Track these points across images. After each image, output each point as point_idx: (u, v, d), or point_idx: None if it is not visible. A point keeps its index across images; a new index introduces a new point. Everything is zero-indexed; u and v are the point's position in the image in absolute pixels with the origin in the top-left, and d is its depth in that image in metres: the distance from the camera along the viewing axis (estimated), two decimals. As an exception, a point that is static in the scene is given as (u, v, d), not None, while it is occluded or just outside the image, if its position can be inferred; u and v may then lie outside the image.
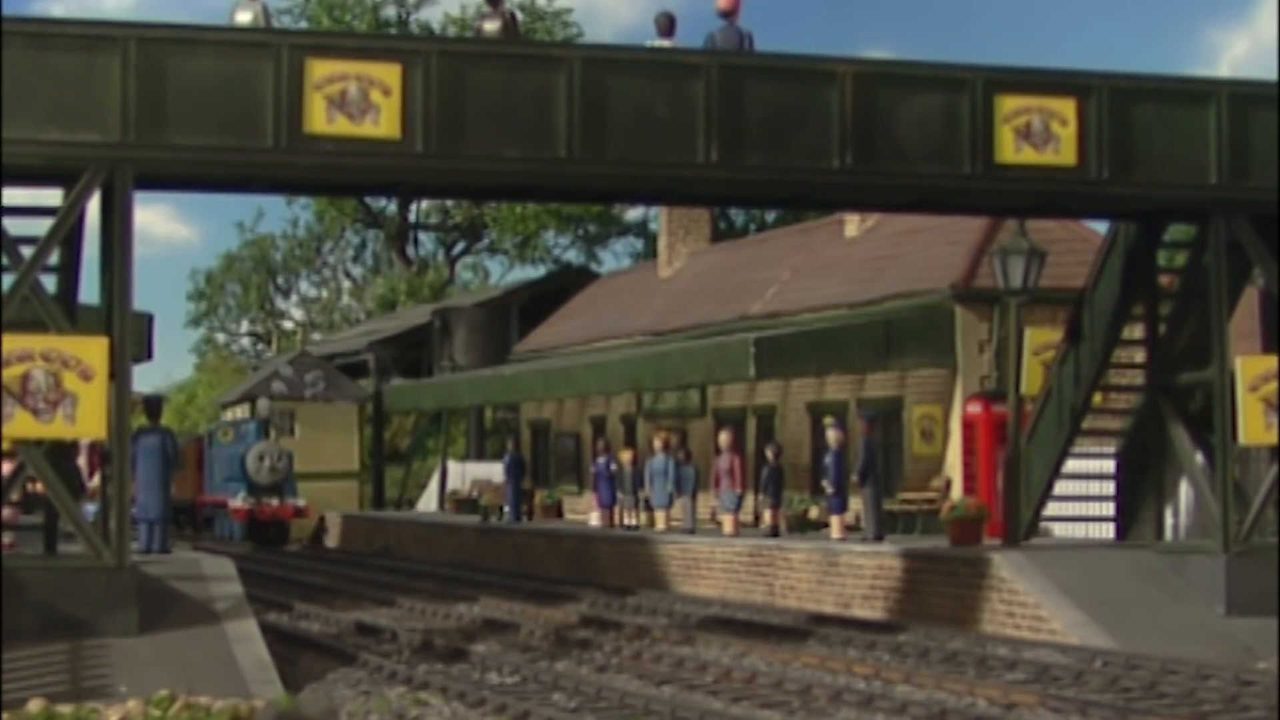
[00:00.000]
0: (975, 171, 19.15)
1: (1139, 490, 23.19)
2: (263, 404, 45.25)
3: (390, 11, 66.54)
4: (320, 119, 17.27)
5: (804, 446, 31.73)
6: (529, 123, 17.90)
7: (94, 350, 16.56)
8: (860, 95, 18.73)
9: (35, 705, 14.03)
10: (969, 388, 27.74)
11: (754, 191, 20.22)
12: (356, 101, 17.35)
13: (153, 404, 22.96)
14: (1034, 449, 22.92)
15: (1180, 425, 21.16)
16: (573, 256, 66.18)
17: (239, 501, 42.75)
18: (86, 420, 16.49)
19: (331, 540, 45.87)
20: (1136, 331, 22.50)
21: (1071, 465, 23.27)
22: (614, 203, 52.00)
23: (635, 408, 37.88)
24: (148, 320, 27.04)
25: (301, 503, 43.56)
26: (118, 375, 16.66)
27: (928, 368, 28.76)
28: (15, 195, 17.35)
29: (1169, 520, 23.15)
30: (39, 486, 18.86)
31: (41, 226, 17.13)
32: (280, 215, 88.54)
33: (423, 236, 72.63)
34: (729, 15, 19.40)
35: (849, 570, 24.07)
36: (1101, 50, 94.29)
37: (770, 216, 55.41)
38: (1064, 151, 19.39)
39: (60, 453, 18.00)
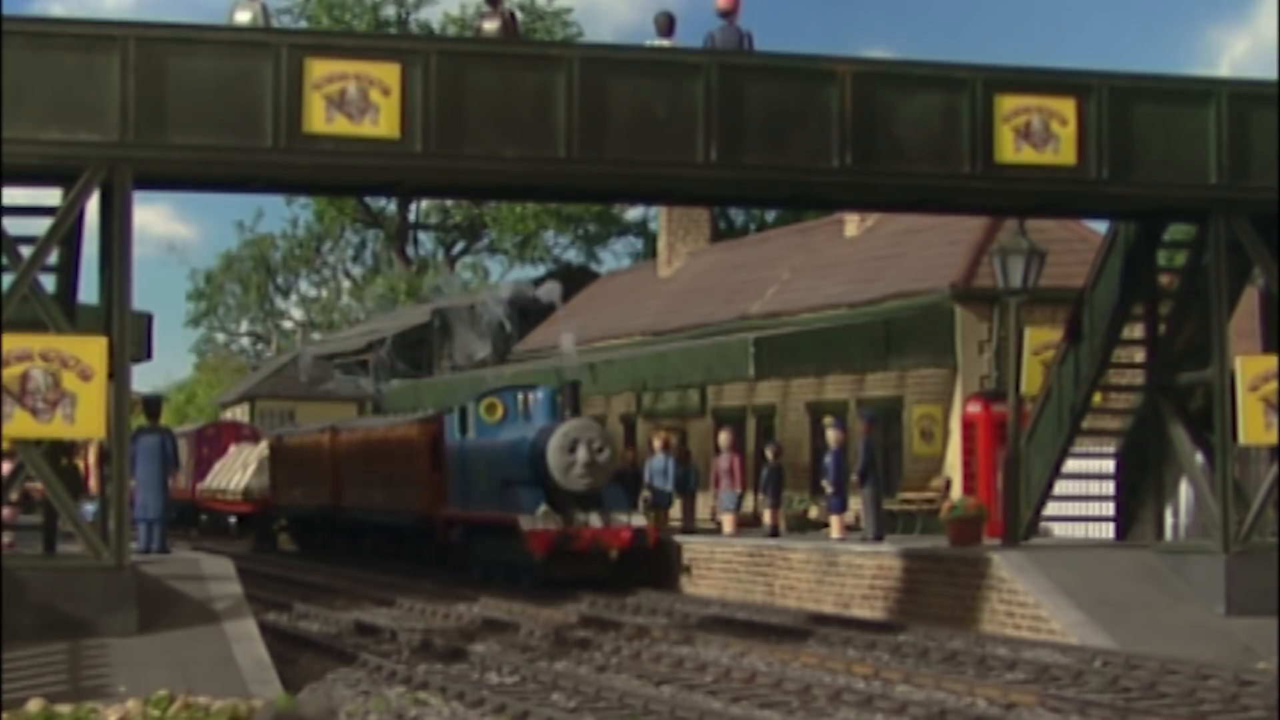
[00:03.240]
0: (975, 171, 19.13)
1: (1139, 490, 23.17)
2: (568, 343, 29.68)
3: (390, 11, 66.62)
4: (319, 119, 17.25)
5: (804, 446, 31.73)
6: (529, 122, 17.89)
7: (93, 350, 16.54)
8: (860, 95, 18.72)
9: (34, 705, 14.04)
10: (969, 387, 27.73)
11: (754, 191, 20.21)
12: (356, 101, 17.33)
13: (152, 404, 22.96)
14: (1034, 449, 22.90)
15: (1180, 425, 21.14)
16: (573, 256, 66.24)
17: (537, 521, 26.37)
18: (85, 420, 16.47)
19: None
20: (1136, 331, 22.49)
21: (1071, 465, 23.24)
22: (614, 203, 52.03)
23: (635, 407, 37.87)
24: (147, 320, 27.02)
25: (641, 521, 27.48)
26: (117, 375, 16.65)
27: (928, 367, 28.76)
28: (15, 195, 17.35)
29: (1169, 520, 23.13)
30: (39, 487, 18.85)
31: (41, 226, 17.11)
32: (280, 215, 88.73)
33: (422, 236, 72.71)
34: (729, 15, 19.39)
35: (849, 570, 24.06)
36: (1101, 50, 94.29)
37: (770, 216, 55.42)
38: (1064, 151, 19.37)
39: (59, 452, 17.98)
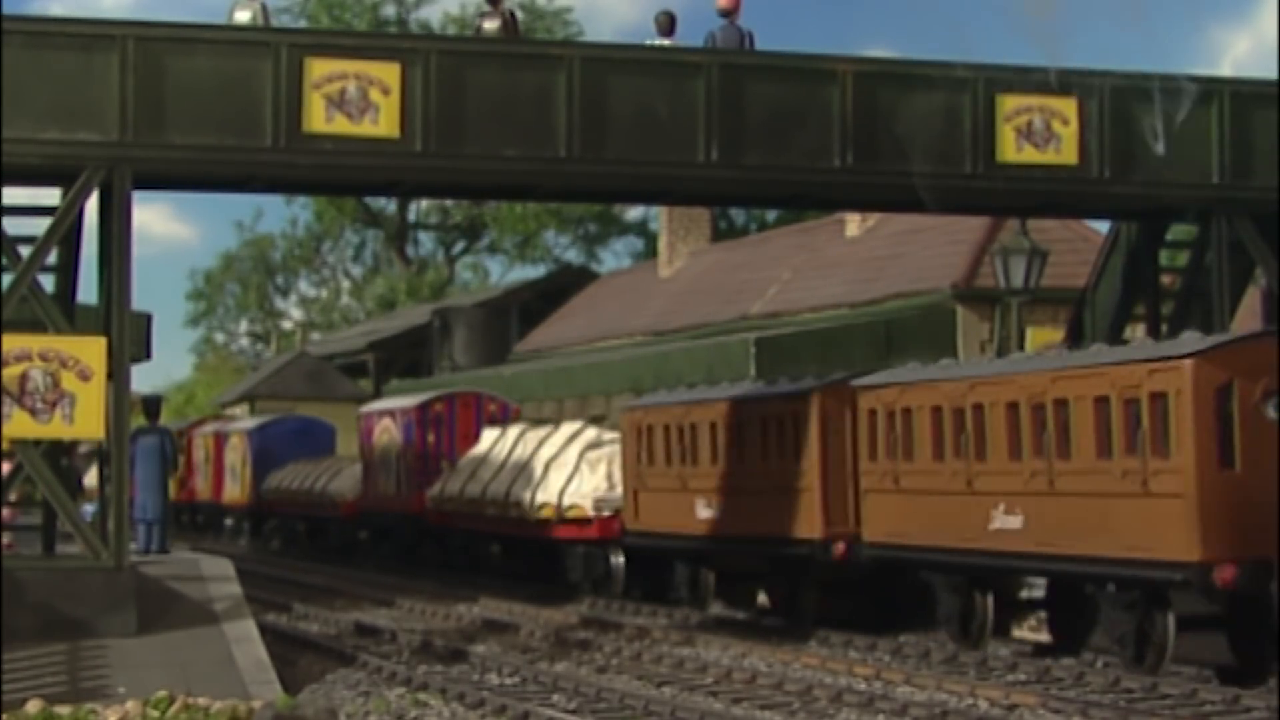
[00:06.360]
0: (976, 171, 19.11)
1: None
2: None
3: (389, 10, 66.65)
4: (319, 118, 17.23)
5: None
6: (529, 122, 17.86)
7: (92, 350, 16.52)
8: (861, 94, 18.69)
9: (34, 706, 14.01)
10: (970, 388, 27.61)
11: (754, 191, 20.17)
12: (356, 101, 17.31)
13: (151, 404, 22.92)
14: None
15: (1182, 425, 20.94)
16: (573, 256, 66.27)
17: None
18: (85, 420, 16.44)
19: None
20: (1138, 331, 22.44)
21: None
22: (614, 203, 52.02)
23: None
24: (146, 320, 27.00)
25: None
26: (116, 375, 16.62)
27: (929, 368, 28.67)
28: (14, 195, 17.31)
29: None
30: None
31: (40, 226, 17.09)
32: (280, 215, 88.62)
33: (423, 236, 72.73)
34: (729, 14, 19.34)
35: (850, 571, 23.58)
36: (1103, 50, 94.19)
37: (770, 216, 55.42)
38: (1065, 151, 19.34)
39: (59, 453, 17.94)
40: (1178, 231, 22.98)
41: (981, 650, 18.22)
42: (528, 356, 44.05)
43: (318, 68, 17.27)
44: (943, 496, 18.77)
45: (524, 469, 27.48)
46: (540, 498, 26.45)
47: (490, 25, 19.34)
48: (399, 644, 20.31)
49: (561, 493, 26.07)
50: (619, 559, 25.30)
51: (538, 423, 30.29)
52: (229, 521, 43.93)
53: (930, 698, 15.71)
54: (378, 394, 49.79)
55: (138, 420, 22.45)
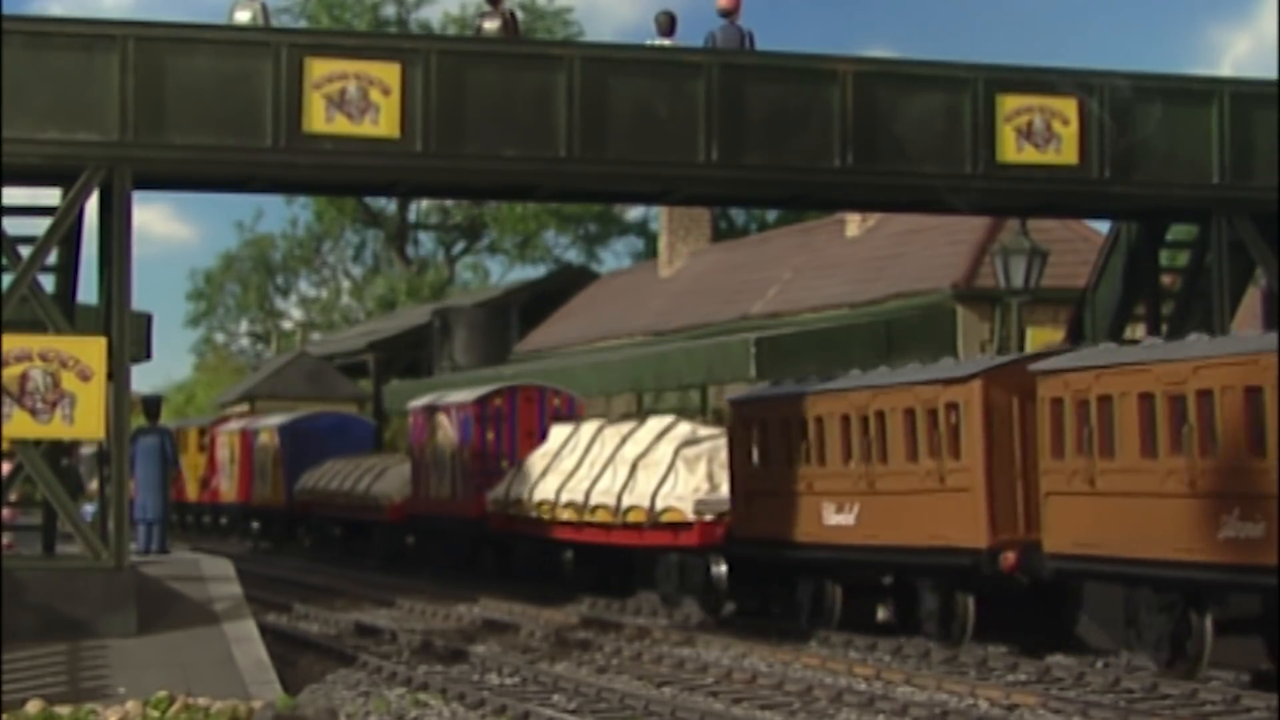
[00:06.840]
0: (977, 171, 19.12)
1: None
2: None
3: (390, 10, 66.65)
4: (319, 118, 17.24)
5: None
6: (529, 122, 17.88)
7: (92, 350, 16.52)
8: (861, 94, 18.70)
9: (34, 706, 14.00)
10: (970, 388, 27.59)
11: (754, 191, 20.19)
12: (356, 101, 17.32)
13: (151, 404, 22.92)
14: (1037, 449, 22.54)
15: (1183, 425, 20.90)
16: (573, 256, 66.28)
17: None
18: (85, 421, 16.44)
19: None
20: (1138, 332, 22.44)
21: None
22: (614, 203, 52.04)
23: (636, 408, 37.84)
24: (146, 320, 27.00)
25: None
26: (116, 375, 16.62)
27: (929, 368, 28.66)
28: (14, 195, 17.32)
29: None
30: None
31: (40, 226, 17.09)
32: (280, 215, 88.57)
33: (423, 236, 72.71)
34: (730, 14, 19.36)
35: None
36: (1103, 49, 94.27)
37: (771, 216, 55.42)
38: (1065, 151, 19.36)
39: (59, 453, 17.94)
40: (1178, 231, 23.00)
41: (1196, 682, 15.76)
42: (528, 356, 44.06)
43: (318, 68, 17.29)
44: (1156, 500, 15.81)
45: (605, 469, 24.83)
46: (628, 500, 23.75)
47: (490, 25, 19.35)
48: (399, 644, 20.32)
49: (654, 495, 23.22)
50: (721, 568, 22.35)
51: (624, 417, 28.06)
52: (256, 525, 41.24)
53: (930, 698, 15.71)
54: (378, 394, 49.79)
55: (138, 420, 22.45)
